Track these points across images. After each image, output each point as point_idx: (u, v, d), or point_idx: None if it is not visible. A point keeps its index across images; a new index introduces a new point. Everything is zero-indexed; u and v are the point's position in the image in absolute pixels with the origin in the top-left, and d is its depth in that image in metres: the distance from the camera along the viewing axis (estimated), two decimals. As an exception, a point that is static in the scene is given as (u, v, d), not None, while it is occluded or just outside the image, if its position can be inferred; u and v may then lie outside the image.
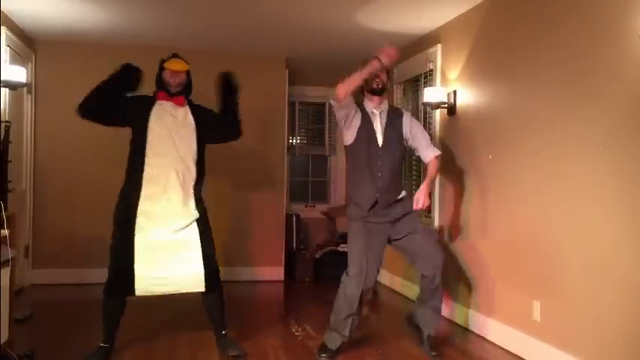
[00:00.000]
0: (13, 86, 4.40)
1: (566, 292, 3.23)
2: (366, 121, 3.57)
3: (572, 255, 3.19)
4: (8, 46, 4.72)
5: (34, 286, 5.37)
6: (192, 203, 3.45)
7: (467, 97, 4.41)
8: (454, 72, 4.57)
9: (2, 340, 3.08)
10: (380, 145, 3.55)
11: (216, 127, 3.66)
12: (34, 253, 5.53)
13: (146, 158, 3.40)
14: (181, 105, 3.53)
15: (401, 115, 3.69)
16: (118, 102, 3.49)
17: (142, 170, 3.39)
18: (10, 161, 3.99)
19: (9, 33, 4.72)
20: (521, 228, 3.67)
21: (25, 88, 5.08)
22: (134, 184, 3.40)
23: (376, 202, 3.51)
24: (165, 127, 3.45)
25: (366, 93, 3.62)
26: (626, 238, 2.82)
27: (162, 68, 3.56)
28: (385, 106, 3.66)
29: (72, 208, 5.63)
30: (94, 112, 3.47)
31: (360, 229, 3.52)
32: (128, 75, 3.53)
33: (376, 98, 3.60)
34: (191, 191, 3.46)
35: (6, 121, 4.22)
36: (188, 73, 3.61)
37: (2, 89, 4.42)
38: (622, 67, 2.86)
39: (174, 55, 3.62)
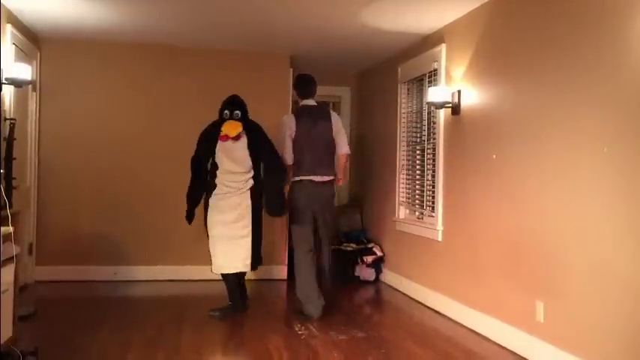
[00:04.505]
0: (18, 84, 4.40)
1: (570, 293, 3.22)
2: None
3: (576, 255, 3.19)
4: (13, 43, 4.73)
5: (38, 283, 5.38)
6: None
7: (471, 96, 4.40)
8: (459, 71, 4.56)
9: (6, 337, 3.09)
10: None
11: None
12: (38, 250, 5.55)
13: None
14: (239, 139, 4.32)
15: None
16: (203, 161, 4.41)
17: None
18: (15, 158, 4.02)
19: (14, 30, 4.73)
20: (525, 228, 3.67)
21: (29, 86, 5.09)
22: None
23: None
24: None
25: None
26: (631, 238, 2.81)
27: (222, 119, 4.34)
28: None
29: (76, 206, 5.64)
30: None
31: None
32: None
33: None
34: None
35: (11, 119, 4.24)
36: (243, 112, 4.39)
37: (7, 87, 4.43)
38: (628, 67, 2.85)
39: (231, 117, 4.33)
